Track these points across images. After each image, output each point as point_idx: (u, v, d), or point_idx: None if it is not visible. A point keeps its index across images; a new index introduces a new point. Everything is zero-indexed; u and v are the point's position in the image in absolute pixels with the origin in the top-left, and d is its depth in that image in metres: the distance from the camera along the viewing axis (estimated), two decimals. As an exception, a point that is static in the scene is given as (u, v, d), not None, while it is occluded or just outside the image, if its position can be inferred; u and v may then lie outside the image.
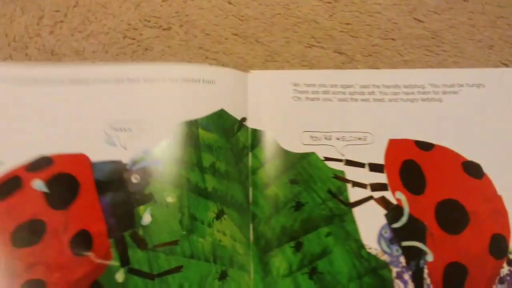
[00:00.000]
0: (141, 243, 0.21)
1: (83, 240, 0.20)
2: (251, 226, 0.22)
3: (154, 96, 0.23)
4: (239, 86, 0.24)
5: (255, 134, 0.23)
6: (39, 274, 0.20)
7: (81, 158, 0.22)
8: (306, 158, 0.23)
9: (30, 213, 0.21)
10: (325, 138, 0.23)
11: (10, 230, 0.20)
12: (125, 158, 0.22)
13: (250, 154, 0.23)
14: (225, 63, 0.25)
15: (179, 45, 0.26)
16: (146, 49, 0.26)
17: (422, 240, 0.22)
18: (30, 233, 0.20)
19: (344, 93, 0.24)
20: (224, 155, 0.22)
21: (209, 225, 0.21)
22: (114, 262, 0.20)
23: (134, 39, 0.26)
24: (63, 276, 0.20)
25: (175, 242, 0.21)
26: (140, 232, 0.21)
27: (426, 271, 0.22)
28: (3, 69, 0.23)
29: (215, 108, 0.23)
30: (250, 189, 0.22)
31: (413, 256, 0.22)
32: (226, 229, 0.21)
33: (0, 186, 0.21)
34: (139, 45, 0.26)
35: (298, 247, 0.21)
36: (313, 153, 0.23)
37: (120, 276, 0.20)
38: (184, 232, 0.21)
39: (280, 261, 0.21)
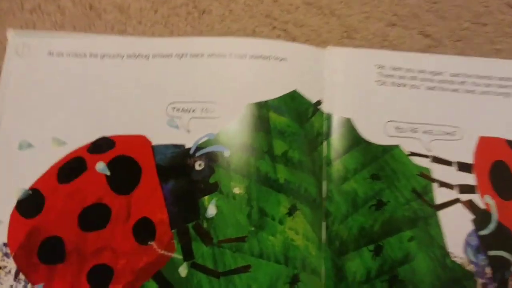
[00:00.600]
0: (205, 237, 0.19)
1: (146, 228, 0.19)
2: (323, 224, 0.20)
3: (220, 74, 0.21)
4: (314, 65, 0.21)
5: (331, 120, 0.21)
6: (106, 259, 0.18)
7: (142, 140, 0.20)
8: (389, 151, 0.20)
9: (95, 196, 0.19)
10: (411, 130, 0.21)
11: (77, 213, 0.19)
12: (188, 142, 0.20)
13: (325, 143, 0.21)
14: (296, 36, 0.22)
15: (243, 11, 0.23)
16: (203, 12, 0.23)
17: (509, 249, 0.20)
18: (97, 217, 0.19)
19: (432, 80, 0.21)
20: (297, 142, 0.20)
21: (281, 222, 0.19)
22: (177, 255, 0.18)
23: (189, -1, 0.23)
24: (128, 263, 0.18)
25: (242, 239, 0.19)
26: (205, 224, 0.19)
27: (510, 283, 0.20)
28: (59, 40, 0.21)
29: (288, 89, 0.20)
30: (324, 183, 0.20)
31: (499, 267, 0.20)
32: (298, 227, 0.19)
33: (64, 167, 0.19)
34: (194, 7, 0.23)
35: (377, 251, 0.19)
36: (397, 146, 0.20)
37: (183, 271, 0.18)
38: (253, 228, 0.19)
39: (357, 265, 0.19)
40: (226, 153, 0.20)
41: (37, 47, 0.21)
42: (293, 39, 0.22)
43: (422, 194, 0.20)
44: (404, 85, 0.21)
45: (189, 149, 0.19)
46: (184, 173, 0.19)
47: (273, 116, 0.20)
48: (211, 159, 0.19)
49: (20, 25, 0.22)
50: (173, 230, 0.19)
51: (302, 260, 0.19)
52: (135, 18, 0.22)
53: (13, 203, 0.19)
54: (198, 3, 0.23)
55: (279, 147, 0.20)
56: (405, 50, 0.22)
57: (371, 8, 0.23)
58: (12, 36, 0.21)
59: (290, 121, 0.20)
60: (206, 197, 0.19)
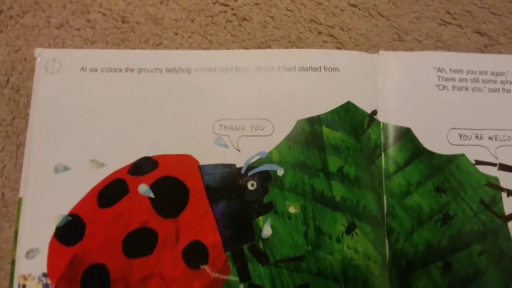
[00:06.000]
0: (262, 258, 0.18)
1: (197, 252, 0.18)
2: (386, 242, 0.19)
3: (268, 88, 0.19)
4: (368, 72, 0.20)
5: (389, 130, 0.19)
6: (155, 287, 0.17)
7: (187, 160, 0.19)
8: (454, 161, 0.19)
9: (140, 220, 0.18)
10: (476, 137, 0.19)
11: (121, 239, 0.18)
12: (238, 161, 0.18)
13: (383, 155, 0.19)
14: (344, 42, 0.21)
15: (285, 16, 0.22)
16: (244, 19, 0.22)
17: None
18: (142, 242, 0.18)
19: (495, 82, 0.20)
20: (353, 157, 0.19)
21: (338, 241, 0.18)
22: (233, 277, 0.17)
23: (227, 5, 0.22)
24: (180, 291, 0.17)
25: (299, 258, 0.18)
26: (260, 245, 0.18)
27: None
28: (91, 55, 0.20)
29: (341, 101, 0.19)
30: (385, 198, 0.19)
31: None
32: (358, 246, 0.18)
33: (104, 191, 0.18)
34: (234, 14, 0.22)
35: (446, 268, 0.18)
36: (462, 155, 0.19)
37: (241, 294, 0.17)
38: (310, 247, 0.18)
39: (425, 284, 0.18)
40: (280, 172, 0.18)
41: (69, 63, 0.20)
42: (341, 45, 0.21)
43: (491, 205, 0.19)
44: (466, 88, 0.20)
45: (240, 168, 0.18)
46: (236, 194, 0.18)
47: (326, 131, 0.19)
48: (264, 178, 0.18)
49: (48, 43, 0.21)
50: (227, 253, 0.18)
51: (363, 280, 0.18)
52: (170, 29, 0.21)
53: (52, 230, 0.18)
54: (236, 10, 0.21)
55: (333, 163, 0.19)
56: (460, 51, 0.21)
57: (422, 6, 0.22)
58: (40, 54, 0.20)
59: (345, 135, 0.19)
60: (260, 218, 0.18)
